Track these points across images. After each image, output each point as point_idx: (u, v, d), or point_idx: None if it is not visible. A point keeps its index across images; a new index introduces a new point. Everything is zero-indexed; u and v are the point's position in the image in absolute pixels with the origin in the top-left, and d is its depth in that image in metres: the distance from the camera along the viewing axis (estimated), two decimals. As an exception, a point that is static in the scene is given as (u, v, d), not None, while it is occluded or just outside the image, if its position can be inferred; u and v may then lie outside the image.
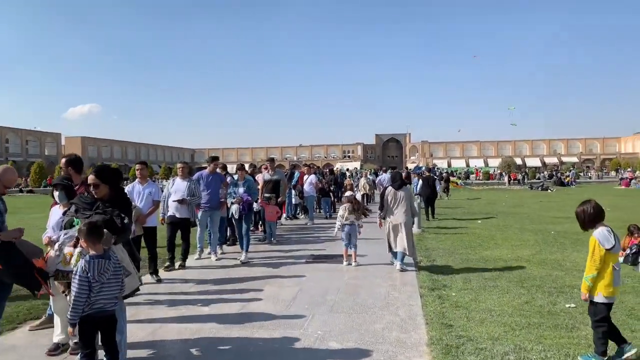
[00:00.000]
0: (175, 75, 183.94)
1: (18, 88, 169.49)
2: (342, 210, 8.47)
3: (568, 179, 42.20)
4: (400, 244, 7.90)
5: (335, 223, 9.04)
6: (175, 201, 7.87)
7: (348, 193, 8.79)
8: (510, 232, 12.30)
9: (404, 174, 16.40)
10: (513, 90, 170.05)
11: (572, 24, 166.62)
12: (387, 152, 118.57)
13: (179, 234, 8.19)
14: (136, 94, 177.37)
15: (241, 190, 8.77)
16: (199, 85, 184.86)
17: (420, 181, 17.36)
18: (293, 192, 15.09)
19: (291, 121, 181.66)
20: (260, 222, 11.75)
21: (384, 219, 8.21)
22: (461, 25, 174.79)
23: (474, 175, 60.45)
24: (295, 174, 15.69)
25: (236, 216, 8.69)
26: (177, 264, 8.09)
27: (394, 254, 8.12)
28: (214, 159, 9.16)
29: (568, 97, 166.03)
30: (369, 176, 22.43)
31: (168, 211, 7.94)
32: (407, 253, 7.92)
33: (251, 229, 12.32)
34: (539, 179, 51.52)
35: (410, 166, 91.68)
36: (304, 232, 12.87)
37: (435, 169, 67.56)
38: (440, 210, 18.33)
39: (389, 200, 8.14)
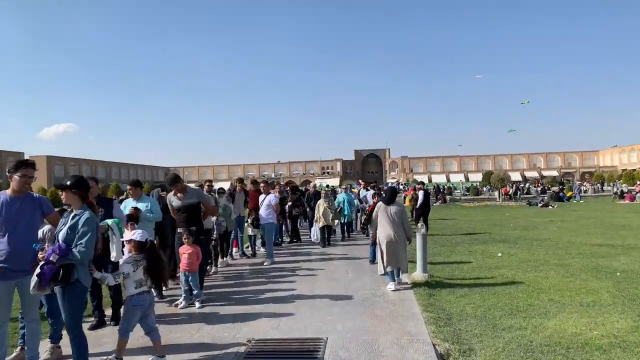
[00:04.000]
0: (152, 93, 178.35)
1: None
2: (133, 267, 4.46)
3: (570, 193, 38.57)
4: (394, 261, 7.55)
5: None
6: None
7: (136, 233, 4.65)
8: (555, 275, 8.42)
9: (371, 192, 14.49)
10: (492, 105, 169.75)
11: (550, 36, 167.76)
12: (367, 167, 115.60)
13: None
14: (112, 113, 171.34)
15: (60, 238, 4.04)
16: (175, 102, 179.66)
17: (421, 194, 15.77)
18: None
19: (269, 138, 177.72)
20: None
21: (368, 233, 8.12)
22: (441, 38, 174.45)
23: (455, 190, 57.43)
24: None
25: (32, 291, 3.95)
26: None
27: (389, 275, 7.58)
28: (22, 164, 4.44)
29: (546, 110, 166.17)
30: (349, 193, 15.54)
31: None
32: (402, 269, 7.75)
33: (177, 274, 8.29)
34: (529, 193, 48.42)
35: (391, 181, 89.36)
36: (257, 281, 8.73)
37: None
38: (436, 229, 14.56)
39: (380, 216, 7.72)
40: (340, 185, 50.55)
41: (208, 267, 9.30)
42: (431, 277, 8.17)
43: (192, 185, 9.51)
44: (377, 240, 7.83)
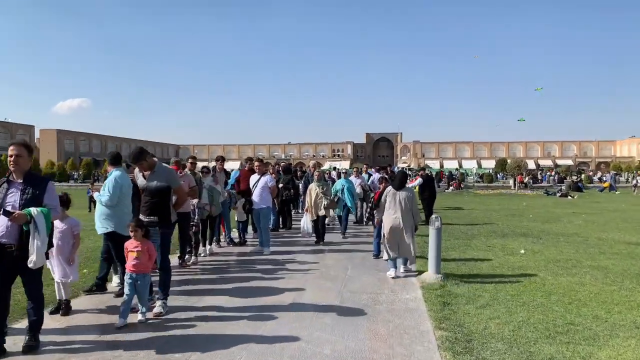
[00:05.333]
0: (166, 71, 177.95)
1: (6, 81, 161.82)
2: None
3: (606, 184, 36.78)
4: (402, 250, 7.27)
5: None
6: None
7: None
8: (592, 280, 7.08)
9: (377, 175, 13.78)
10: (507, 91, 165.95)
11: (567, 24, 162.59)
12: (378, 151, 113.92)
13: None
14: (127, 89, 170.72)
15: None
16: (188, 81, 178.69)
17: (420, 180, 15.08)
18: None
19: (280, 119, 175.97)
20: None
21: (380, 220, 7.66)
22: (455, 24, 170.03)
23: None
24: (233, 174, 10.33)
25: None
26: None
27: (391, 262, 7.29)
28: None
29: (563, 99, 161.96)
30: (352, 178, 12.98)
31: None
32: (410, 260, 7.47)
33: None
34: (542, 181, 46.65)
35: (401, 166, 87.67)
36: (237, 276, 7.48)
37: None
38: (449, 218, 13.23)
39: (388, 202, 7.38)
40: (350, 168, 42.08)
41: (187, 256, 8.14)
42: (445, 281, 6.87)
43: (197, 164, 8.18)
44: (382, 226, 7.56)
